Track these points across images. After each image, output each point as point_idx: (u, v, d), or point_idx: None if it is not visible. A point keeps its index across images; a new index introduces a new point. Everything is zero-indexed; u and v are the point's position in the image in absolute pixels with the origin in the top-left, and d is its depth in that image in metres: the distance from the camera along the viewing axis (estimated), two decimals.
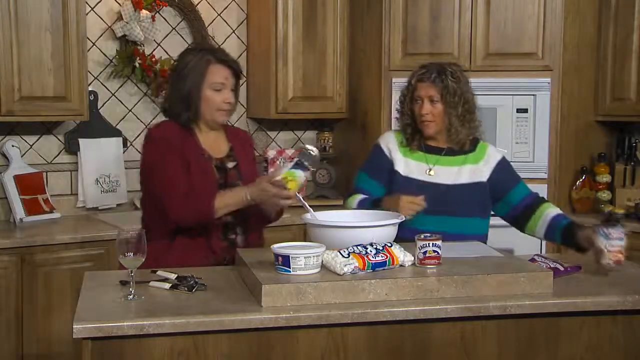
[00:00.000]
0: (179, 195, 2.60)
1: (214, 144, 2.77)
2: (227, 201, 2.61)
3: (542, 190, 4.10)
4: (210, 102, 2.71)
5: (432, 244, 2.35)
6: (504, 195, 2.92)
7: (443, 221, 2.77)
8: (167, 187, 2.62)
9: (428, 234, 2.38)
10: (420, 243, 2.36)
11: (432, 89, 2.82)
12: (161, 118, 4.35)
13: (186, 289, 2.29)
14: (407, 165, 2.91)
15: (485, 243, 2.85)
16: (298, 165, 2.58)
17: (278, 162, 4.59)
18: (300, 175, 2.57)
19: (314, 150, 2.63)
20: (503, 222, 4.11)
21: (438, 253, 2.35)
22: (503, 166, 2.94)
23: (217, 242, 2.70)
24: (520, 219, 2.92)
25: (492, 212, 2.98)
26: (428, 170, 2.88)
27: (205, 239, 2.68)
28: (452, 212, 2.81)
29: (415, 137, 2.91)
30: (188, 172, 2.65)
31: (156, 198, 2.65)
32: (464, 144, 2.89)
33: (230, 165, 2.78)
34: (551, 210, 2.87)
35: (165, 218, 2.64)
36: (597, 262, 2.52)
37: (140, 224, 2.79)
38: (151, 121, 4.38)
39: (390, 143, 2.96)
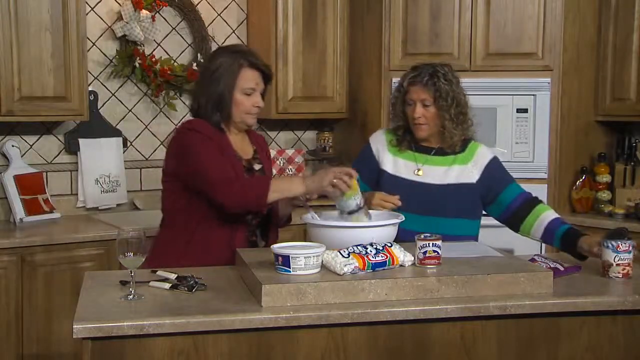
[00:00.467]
0: (228, 178, 2.58)
1: (241, 145, 2.79)
2: (280, 186, 2.58)
3: (542, 190, 4.11)
4: (240, 105, 2.71)
5: (432, 244, 2.35)
6: (495, 197, 2.89)
7: (431, 222, 2.76)
8: (213, 170, 2.57)
9: (428, 234, 2.38)
10: (420, 243, 2.36)
11: (424, 93, 2.80)
12: (161, 118, 4.42)
13: (186, 289, 2.29)
14: (396, 164, 2.90)
15: None
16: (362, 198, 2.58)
17: (278, 162, 4.59)
18: (359, 194, 2.55)
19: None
20: None
21: (438, 253, 2.35)
22: (494, 167, 2.90)
23: (241, 242, 2.71)
24: (513, 220, 2.89)
25: (485, 213, 2.97)
26: (416, 170, 2.87)
27: (229, 239, 2.68)
28: (440, 212, 2.80)
29: (406, 138, 2.90)
30: None
31: (196, 184, 2.62)
32: (456, 145, 2.87)
33: (257, 167, 2.80)
34: (548, 213, 2.83)
35: (194, 210, 2.64)
36: (604, 275, 2.51)
37: (140, 226, 2.78)
38: (151, 121, 4.38)
39: (379, 143, 2.95)
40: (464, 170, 2.86)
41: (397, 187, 2.82)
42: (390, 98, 2.94)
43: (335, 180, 2.51)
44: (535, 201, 2.89)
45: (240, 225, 2.71)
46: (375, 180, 2.90)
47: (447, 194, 2.83)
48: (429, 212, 2.79)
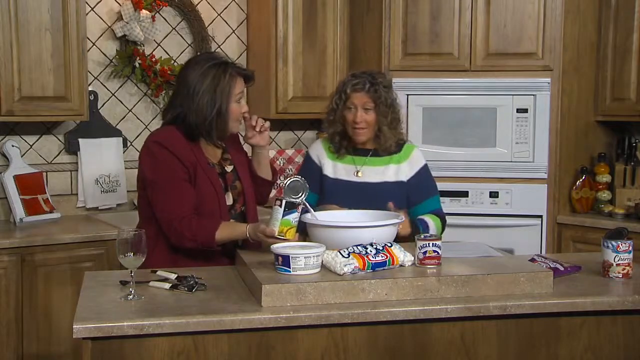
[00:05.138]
0: (180, 221, 2.57)
1: (211, 148, 2.76)
2: (228, 235, 2.61)
3: (542, 190, 4.12)
4: (233, 114, 2.70)
5: (432, 244, 2.35)
6: (414, 204, 2.98)
7: None
8: (168, 211, 2.59)
9: (428, 234, 2.38)
10: (420, 243, 2.36)
11: (366, 98, 2.93)
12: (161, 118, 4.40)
13: (186, 289, 2.29)
14: (336, 168, 3.02)
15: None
16: (289, 207, 2.48)
17: (278, 161, 4.59)
18: (295, 218, 2.48)
19: (295, 180, 2.55)
20: (503, 222, 4.13)
21: (438, 253, 2.35)
22: (424, 174, 3.03)
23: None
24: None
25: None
26: (356, 172, 2.99)
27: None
28: (380, 209, 2.78)
29: (342, 144, 3.01)
30: (194, 183, 2.63)
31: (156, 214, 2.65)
32: (390, 147, 2.99)
33: (229, 168, 2.79)
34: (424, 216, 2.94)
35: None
36: (604, 275, 2.51)
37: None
38: (151, 121, 4.38)
39: (318, 151, 3.08)
40: (399, 169, 3.00)
41: (338, 189, 2.97)
42: (328, 105, 3.01)
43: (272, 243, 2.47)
44: (438, 214, 2.98)
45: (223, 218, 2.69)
46: (319, 186, 3.00)
47: (383, 191, 2.94)
48: (368, 209, 2.81)
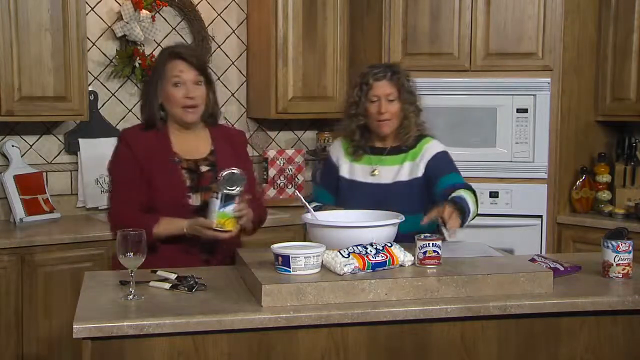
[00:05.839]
0: (123, 214, 2.63)
1: (191, 145, 2.73)
2: (165, 230, 2.61)
3: (542, 190, 4.12)
4: (171, 98, 2.66)
5: (432, 244, 2.35)
6: (434, 184, 2.87)
7: None
8: (112, 204, 2.72)
9: (428, 234, 2.38)
10: (420, 243, 2.36)
11: (390, 87, 2.87)
12: None
13: (186, 289, 2.29)
14: (352, 169, 2.97)
15: None
16: (227, 199, 2.50)
17: (278, 162, 4.59)
18: (233, 210, 2.51)
19: (231, 171, 2.52)
20: (503, 222, 4.13)
21: (438, 253, 2.35)
22: (439, 157, 2.92)
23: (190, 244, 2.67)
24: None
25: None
26: (372, 172, 2.94)
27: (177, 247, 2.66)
28: (395, 210, 2.75)
29: (360, 145, 2.95)
30: (150, 178, 2.64)
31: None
32: (409, 139, 2.92)
33: (205, 169, 2.72)
34: (460, 192, 2.76)
35: None
36: (604, 275, 2.50)
37: None
38: None
39: (338, 151, 3.03)
40: (414, 166, 2.92)
41: (353, 191, 2.92)
42: (348, 99, 2.97)
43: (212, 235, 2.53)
44: (464, 187, 2.83)
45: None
46: (336, 187, 2.98)
47: (396, 191, 2.88)
48: (385, 210, 2.75)
